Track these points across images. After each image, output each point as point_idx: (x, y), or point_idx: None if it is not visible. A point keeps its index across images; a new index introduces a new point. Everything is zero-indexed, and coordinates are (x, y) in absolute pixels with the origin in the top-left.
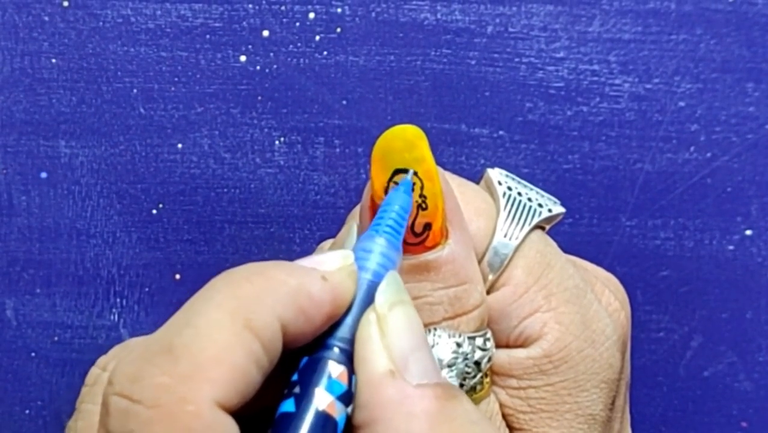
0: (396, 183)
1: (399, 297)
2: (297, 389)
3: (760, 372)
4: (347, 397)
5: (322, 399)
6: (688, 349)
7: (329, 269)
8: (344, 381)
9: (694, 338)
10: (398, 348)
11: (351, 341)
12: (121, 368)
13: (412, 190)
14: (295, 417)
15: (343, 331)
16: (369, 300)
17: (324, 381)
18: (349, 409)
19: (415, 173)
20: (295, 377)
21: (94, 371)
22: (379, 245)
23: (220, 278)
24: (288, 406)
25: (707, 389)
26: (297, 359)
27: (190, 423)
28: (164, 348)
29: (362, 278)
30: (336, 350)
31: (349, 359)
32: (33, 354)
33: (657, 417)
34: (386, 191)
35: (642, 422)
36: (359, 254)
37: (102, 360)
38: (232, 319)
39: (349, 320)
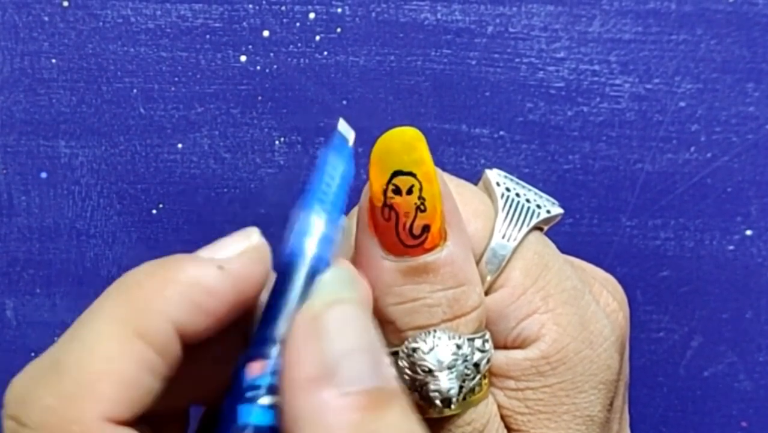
0: (395, 185)
1: (338, 295)
2: (230, 393)
3: (760, 372)
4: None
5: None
6: (688, 349)
7: (227, 255)
8: (263, 377)
9: (694, 338)
10: (329, 351)
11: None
12: (13, 388)
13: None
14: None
15: (276, 325)
16: (310, 289)
17: (243, 381)
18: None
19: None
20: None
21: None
22: (317, 223)
23: (114, 283)
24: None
25: (707, 389)
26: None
27: None
28: (51, 366)
29: (299, 264)
30: (266, 345)
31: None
32: (33, 354)
33: (657, 417)
34: (385, 193)
35: (642, 422)
36: (295, 234)
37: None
38: (120, 328)
39: (284, 313)
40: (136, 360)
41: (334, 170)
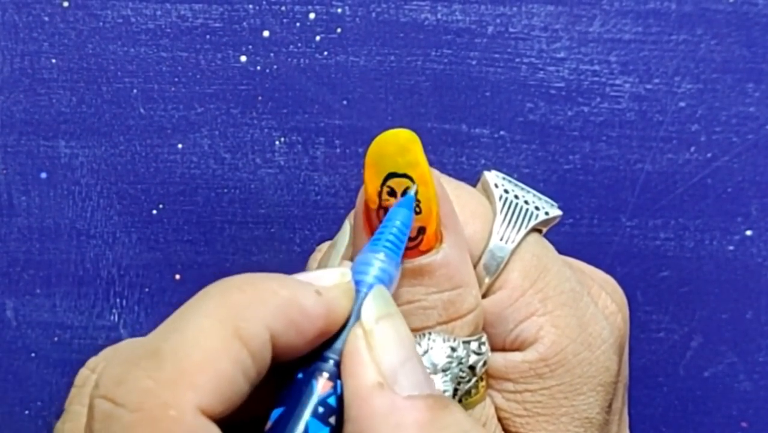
0: (390, 187)
1: (386, 310)
2: (286, 403)
3: (760, 372)
4: (332, 411)
5: (307, 413)
6: (688, 349)
7: (325, 284)
8: (330, 394)
9: (694, 339)
10: (387, 361)
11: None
12: (108, 370)
13: (415, 205)
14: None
15: (338, 345)
16: None
17: (312, 396)
18: (333, 422)
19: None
20: (288, 390)
21: (83, 372)
22: (378, 260)
23: (213, 285)
24: (277, 417)
25: (707, 390)
26: (290, 372)
27: (171, 428)
28: (151, 352)
29: (359, 292)
30: (330, 362)
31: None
32: (33, 354)
33: (657, 417)
34: (380, 196)
35: (642, 423)
36: (358, 268)
37: (92, 361)
38: (221, 326)
39: (343, 335)
40: (233, 359)
41: (396, 217)
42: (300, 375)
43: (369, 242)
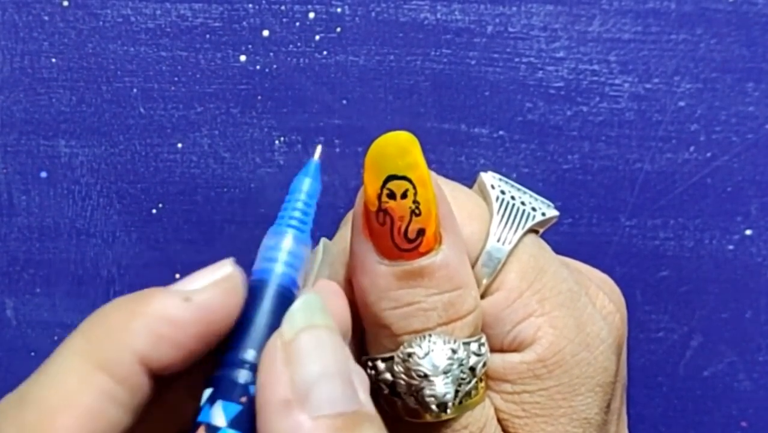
0: (390, 189)
1: (310, 321)
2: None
3: (759, 372)
4: (240, 420)
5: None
6: (688, 349)
7: (195, 287)
8: (240, 403)
9: (694, 338)
10: (301, 376)
11: (257, 356)
12: None
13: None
14: None
15: (249, 347)
16: (279, 309)
17: (216, 405)
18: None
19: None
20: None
21: None
22: (286, 243)
23: (85, 320)
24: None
25: (707, 389)
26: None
27: None
28: (16, 400)
29: (265, 282)
30: (242, 370)
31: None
32: (33, 354)
33: (656, 417)
34: (379, 198)
35: (641, 422)
36: (265, 254)
37: None
38: (82, 362)
39: (253, 335)
40: (96, 392)
41: (301, 190)
42: (209, 389)
43: (275, 222)
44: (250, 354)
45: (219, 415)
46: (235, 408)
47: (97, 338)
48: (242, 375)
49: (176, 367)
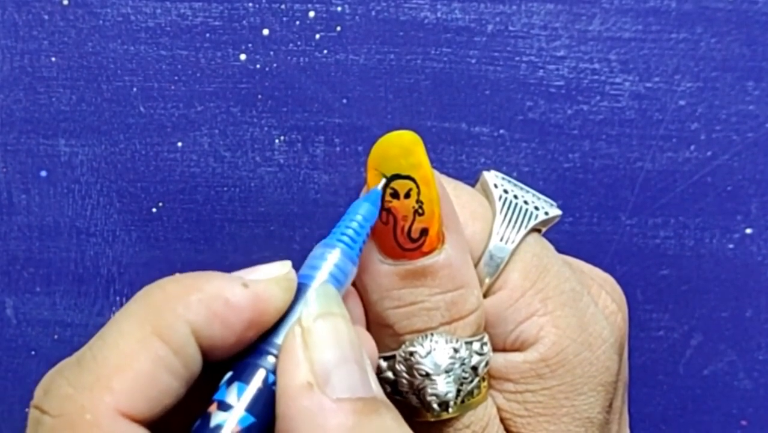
0: (393, 189)
1: (327, 309)
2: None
3: (759, 371)
4: (254, 403)
5: (233, 406)
6: (688, 347)
7: (256, 277)
8: (258, 388)
9: (694, 337)
10: (320, 361)
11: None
12: (41, 382)
13: (381, 200)
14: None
15: (275, 339)
16: None
17: (232, 386)
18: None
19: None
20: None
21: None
22: (332, 256)
23: (142, 290)
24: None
25: (707, 388)
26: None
27: (88, 432)
28: (74, 360)
29: (307, 287)
30: (267, 357)
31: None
32: (33, 352)
33: (657, 416)
34: (383, 198)
35: (642, 421)
36: (311, 262)
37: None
38: (139, 326)
39: (282, 330)
40: (152, 357)
41: (358, 212)
42: (230, 372)
43: (330, 234)
44: (273, 344)
45: (233, 395)
46: (250, 390)
47: (154, 306)
48: (263, 361)
49: (224, 350)
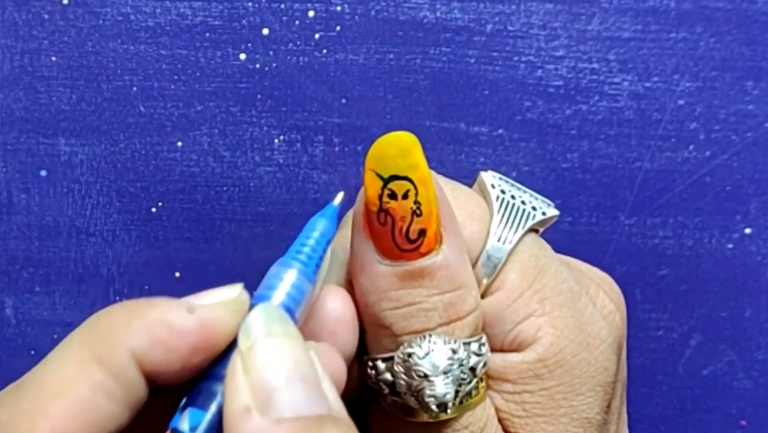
0: (391, 190)
1: (268, 329)
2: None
3: (759, 370)
4: (206, 428)
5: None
6: (687, 347)
7: (203, 302)
8: (212, 413)
9: (694, 337)
10: (259, 383)
11: None
12: None
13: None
14: None
15: (226, 360)
16: None
17: (185, 412)
18: None
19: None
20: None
21: None
22: (289, 275)
23: (90, 317)
24: None
25: (706, 388)
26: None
27: None
28: (14, 387)
29: (252, 310)
30: (220, 381)
31: None
32: (33, 352)
33: (656, 416)
34: (380, 198)
35: (641, 421)
36: (267, 282)
37: None
38: (79, 353)
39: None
40: (90, 383)
41: (315, 228)
42: (185, 398)
43: (287, 252)
44: (225, 367)
45: (185, 421)
46: (201, 415)
47: (97, 333)
48: (215, 386)
49: (172, 374)
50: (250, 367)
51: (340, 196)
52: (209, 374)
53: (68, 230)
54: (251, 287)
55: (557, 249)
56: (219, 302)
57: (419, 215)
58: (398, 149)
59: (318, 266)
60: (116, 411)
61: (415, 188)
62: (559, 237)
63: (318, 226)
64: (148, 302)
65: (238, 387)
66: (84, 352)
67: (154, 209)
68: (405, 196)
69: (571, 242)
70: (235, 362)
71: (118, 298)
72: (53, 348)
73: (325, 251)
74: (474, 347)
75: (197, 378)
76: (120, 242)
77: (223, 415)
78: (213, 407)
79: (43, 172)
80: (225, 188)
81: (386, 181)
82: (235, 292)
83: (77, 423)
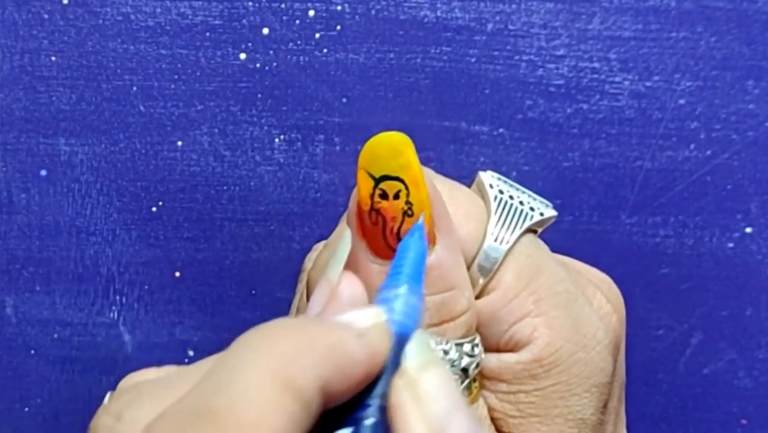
0: (382, 190)
1: (429, 357)
2: None
3: (759, 369)
4: None
5: None
6: (688, 346)
7: (364, 325)
8: None
9: (694, 336)
10: (434, 413)
11: (385, 399)
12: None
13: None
14: None
15: (378, 390)
16: (398, 355)
17: None
18: None
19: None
20: None
21: (105, 420)
22: (401, 295)
23: (252, 334)
24: None
25: (707, 387)
26: (333, 421)
27: None
28: (203, 412)
29: (409, 337)
30: (372, 410)
31: (384, 419)
32: (32, 351)
33: (657, 414)
34: (372, 198)
35: (641, 420)
36: (382, 306)
37: (113, 407)
38: (271, 379)
39: (383, 380)
40: (286, 414)
41: (410, 248)
42: (348, 424)
43: (387, 277)
44: (375, 396)
45: None
46: None
47: (285, 357)
48: (368, 413)
49: (335, 403)
50: (420, 396)
51: (422, 216)
52: (360, 404)
53: (68, 230)
54: (251, 287)
55: (558, 248)
56: (375, 325)
57: (410, 216)
58: (390, 149)
59: (420, 282)
60: None
61: (407, 189)
62: (560, 236)
63: (412, 246)
64: (316, 324)
65: (412, 418)
66: (275, 379)
67: (154, 209)
68: (396, 197)
69: (572, 240)
70: (402, 392)
71: (118, 297)
72: (52, 350)
73: (422, 265)
74: (466, 348)
75: (338, 408)
76: (120, 241)
77: None
78: None
79: (43, 172)
80: (225, 188)
81: (377, 181)
82: (383, 315)
83: None
